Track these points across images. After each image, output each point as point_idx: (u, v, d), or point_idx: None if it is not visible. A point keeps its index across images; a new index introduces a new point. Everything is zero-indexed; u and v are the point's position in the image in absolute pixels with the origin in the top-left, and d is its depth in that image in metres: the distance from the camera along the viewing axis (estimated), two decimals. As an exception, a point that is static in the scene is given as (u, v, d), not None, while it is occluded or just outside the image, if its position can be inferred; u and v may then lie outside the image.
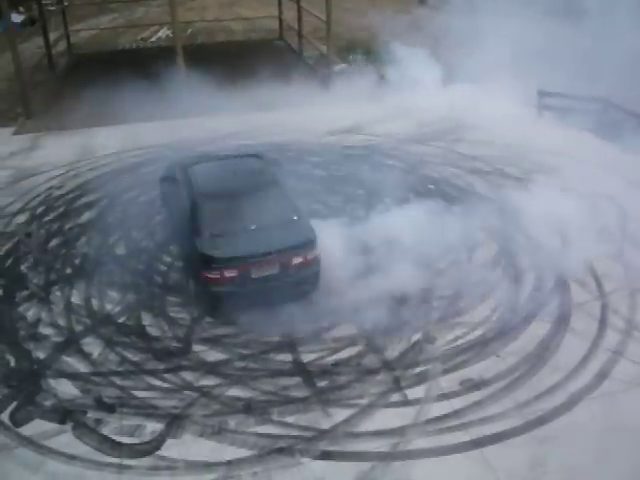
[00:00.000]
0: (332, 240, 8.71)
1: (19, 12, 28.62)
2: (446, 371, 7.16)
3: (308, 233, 8.13)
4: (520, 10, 15.92)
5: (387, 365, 7.27)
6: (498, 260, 9.24)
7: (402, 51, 16.80)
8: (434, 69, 16.17)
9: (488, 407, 6.63)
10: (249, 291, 7.84)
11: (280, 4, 24.45)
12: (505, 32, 15.27)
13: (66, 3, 25.29)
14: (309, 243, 8.01)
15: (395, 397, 6.84)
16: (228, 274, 7.70)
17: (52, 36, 21.96)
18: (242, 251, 7.81)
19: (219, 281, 7.74)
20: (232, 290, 7.80)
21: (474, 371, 7.13)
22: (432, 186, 11.61)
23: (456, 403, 6.70)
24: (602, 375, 7.01)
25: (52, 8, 25.76)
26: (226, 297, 7.86)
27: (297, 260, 7.90)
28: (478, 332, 7.75)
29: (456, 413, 6.57)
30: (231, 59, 20.70)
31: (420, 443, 6.25)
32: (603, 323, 7.84)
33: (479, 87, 15.11)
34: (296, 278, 7.97)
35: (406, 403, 6.75)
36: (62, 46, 23.31)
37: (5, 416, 6.72)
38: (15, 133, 15.65)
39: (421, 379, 7.06)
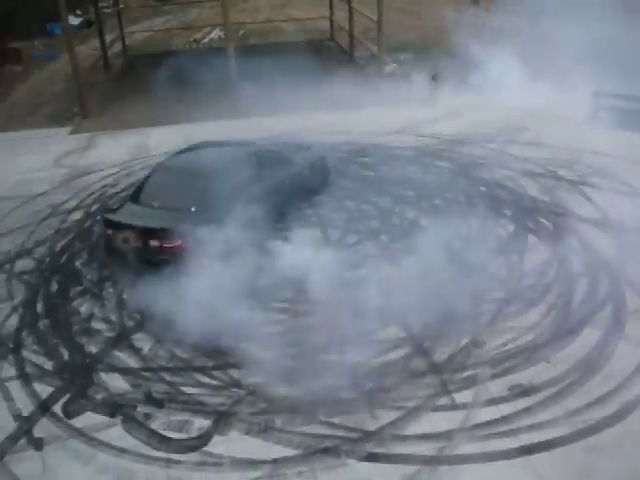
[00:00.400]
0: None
1: (76, 15, 29.34)
2: (495, 376, 7.04)
3: (172, 223, 8.52)
4: (584, 9, 15.53)
5: (435, 368, 7.20)
6: (550, 264, 9.06)
7: (454, 51, 16.66)
8: (487, 70, 15.95)
9: (537, 414, 6.49)
10: (118, 254, 8.85)
11: (331, 5, 24.50)
12: (564, 32, 14.99)
13: (121, 6, 25.83)
14: (165, 231, 8.48)
15: (443, 401, 6.76)
16: (107, 233, 9.03)
17: (108, 38, 22.49)
18: (117, 219, 8.95)
19: (105, 237, 9.15)
20: (110, 248, 9.01)
21: (523, 377, 7.00)
22: (483, 188, 11.45)
23: (504, 409, 6.58)
24: (657, 384, 6.80)
25: (108, 11, 26.36)
26: (108, 253, 9.23)
27: (154, 242, 8.51)
28: (528, 337, 7.60)
29: (504, 419, 6.45)
30: (282, 60, 20.83)
31: (467, 448, 6.16)
32: (659, 331, 7.61)
33: (532, 89, 14.84)
34: (153, 258, 8.52)
35: (454, 407, 6.66)
36: (117, 47, 23.82)
37: (58, 408, 6.90)
38: (71, 132, 16.07)
39: (469, 383, 6.96)
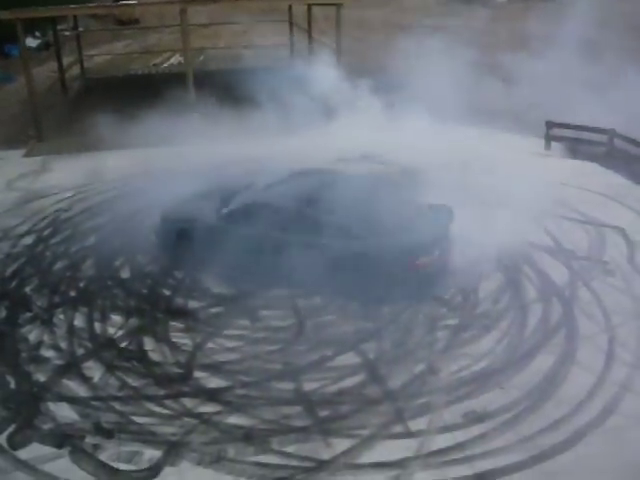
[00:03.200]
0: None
1: (35, 37, 29.02)
2: (449, 403, 7.05)
3: None
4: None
5: (390, 395, 7.17)
6: (504, 291, 9.15)
7: (413, 81, 16.87)
8: (444, 98, 16.18)
9: (492, 440, 6.50)
10: None
11: (291, 33, 24.73)
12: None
13: (81, 29, 25.63)
14: None
15: (397, 428, 6.72)
16: None
17: (66, 61, 22.25)
18: None
19: None
20: None
21: (478, 403, 7.01)
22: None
23: (459, 435, 6.58)
24: (608, 410, 6.85)
25: (67, 33, 26.10)
26: None
27: None
28: (482, 364, 7.64)
29: (459, 446, 6.44)
30: (241, 85, 20.87)
31: (422, 476, 6.13)
32: (610, 356, 7.70)
33: (490, 117, 15.12)
34: None
35: (408, 435, 6.63)
36: (76, 70, 23.58)
37: (2, 439, 6.66)
38: (25, 155, 15.78)
39: (424, 410, 6.95)
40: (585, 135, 14.03)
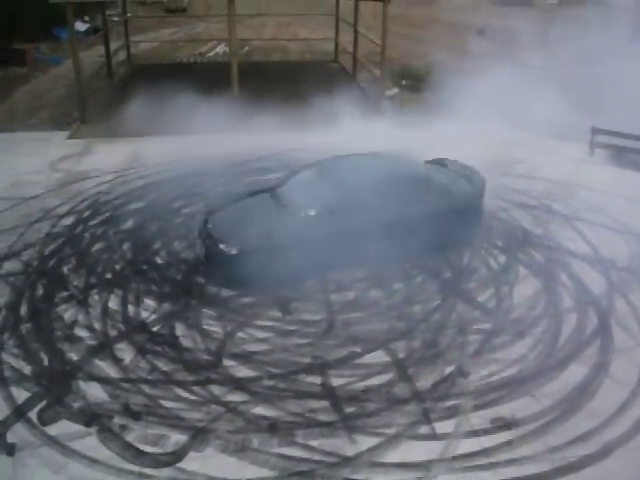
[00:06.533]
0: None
1: (84, 21, 29.46)
2: (477, 407, 6.98)
3: None
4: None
5: (417, 396, 7.13)
6: (539, 297, 9.02)
7: (452, 80, 16.73)
8: (488, 100, 16.02)
9: (518, 448, 6.43)
10: None
11: (337, 27, 24.66)
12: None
13: (129, 15, 25.90)
14: None
15: (423, 429, 6.69)
16: None
17: (113, 46, 22.52)
18: None
19: None
20: None
21: (506, 410, 6.93)
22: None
23: (485, 441, 6.51)
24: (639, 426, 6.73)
25: (115, 19, 26.42)
26: None
27: None
28: (513, 370, 7.55)
29: (484, 451, 6.38)
30: (285, 78, 20.92)
31: (445, 479, 6.09)
32: (645, 371, 7.55)
33: (531, 122, 14.89)
34: None
35: (434, 437, 6.59)
36: (122, 56, 23.85)
37: (33, 414, 6.79)
38: (70, 137, 16.00)
39: (451, 413, 6.89)
40: (631, 143, 13.73)
